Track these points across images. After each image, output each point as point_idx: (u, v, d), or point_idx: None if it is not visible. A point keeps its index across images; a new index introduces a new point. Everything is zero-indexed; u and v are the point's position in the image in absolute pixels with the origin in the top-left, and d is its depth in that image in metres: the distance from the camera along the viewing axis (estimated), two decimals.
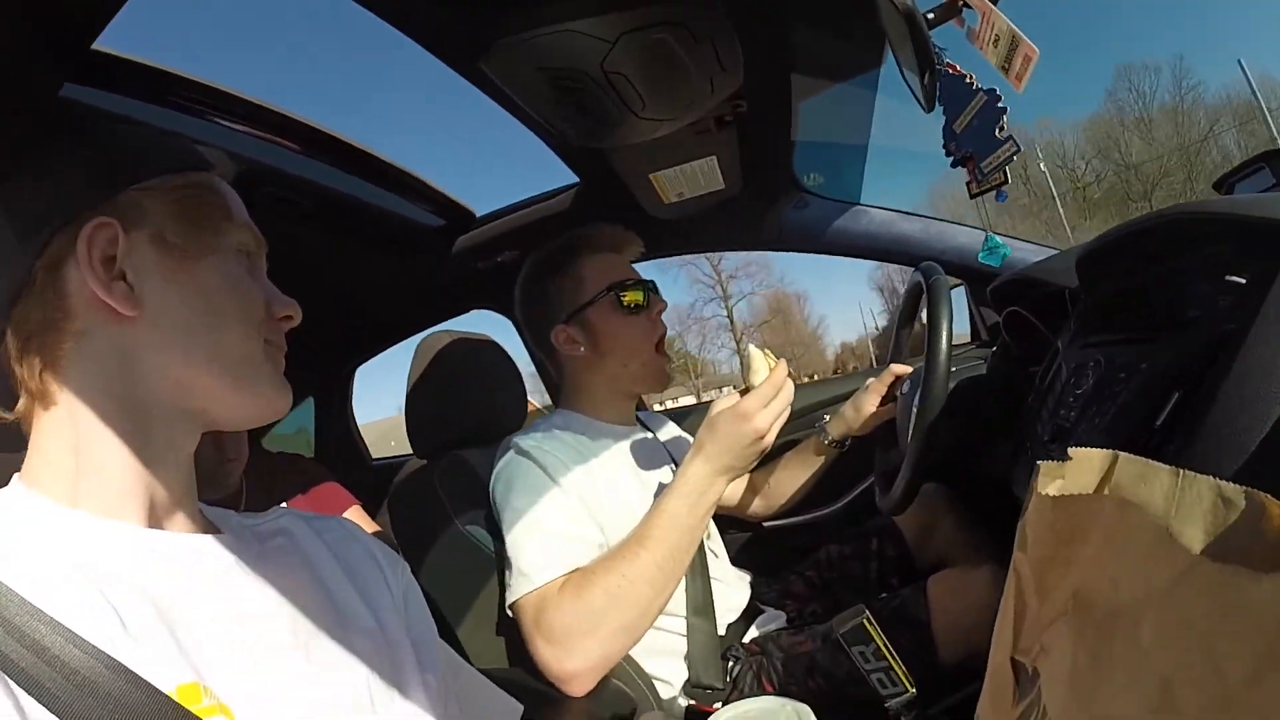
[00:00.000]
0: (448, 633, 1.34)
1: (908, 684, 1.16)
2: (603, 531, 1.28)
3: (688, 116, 1.44)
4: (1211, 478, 0.38)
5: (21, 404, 0.63)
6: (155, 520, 0.64)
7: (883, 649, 1.17)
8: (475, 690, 0.84)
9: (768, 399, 1.15)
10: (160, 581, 0.59)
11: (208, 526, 0.71)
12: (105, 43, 0.96)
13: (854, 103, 1.73)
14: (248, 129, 1.35)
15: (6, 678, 0.49)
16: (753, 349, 1.21)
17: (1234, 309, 0.70)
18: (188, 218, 0.67)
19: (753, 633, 1.49)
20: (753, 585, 1.61)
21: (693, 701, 1.33)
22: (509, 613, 1.20)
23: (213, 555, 0.66)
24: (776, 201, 2.02)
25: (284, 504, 1.77)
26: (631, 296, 1.46)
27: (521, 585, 1.17)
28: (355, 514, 1.93)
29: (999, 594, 1.17)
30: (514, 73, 1.23)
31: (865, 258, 2.08)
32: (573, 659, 1.11)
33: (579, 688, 1.13)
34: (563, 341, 1.48)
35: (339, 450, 2.80)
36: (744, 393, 1.19)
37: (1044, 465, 0.46)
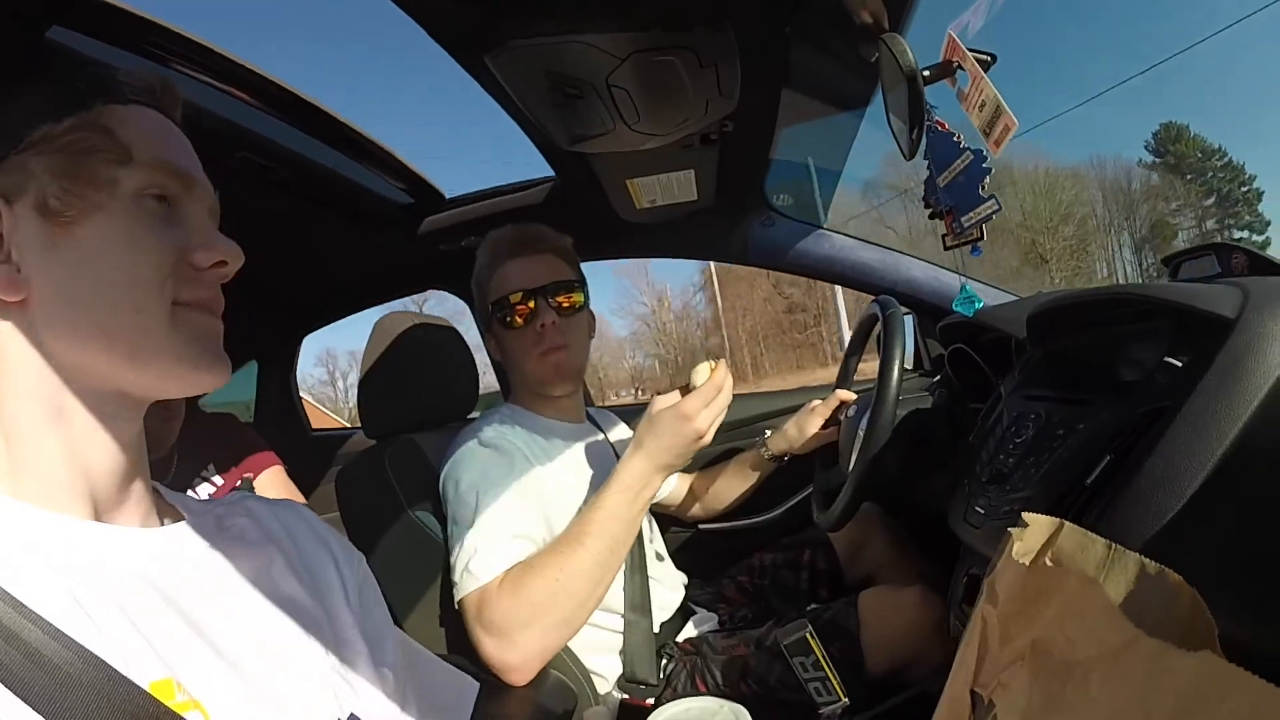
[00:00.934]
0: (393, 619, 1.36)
1: (841, 693, 1.24)
2: (549, 529, 1.31)
3: (678, 134, 1.48)
4: (1138, 555, 0.46)
5: None
6: (105, 512, 0.61)
7: (821, 661, 1.25)
8: (431, 672, 0.83)
9: (709, 399, 1.19)
10: (122, 580, 0.57)
11: (164, 511, 0.69)
12: None
13: (835, 133, 1.79)
14: (229, 89, 1.33)
15: None
16: (703, 362, 1.25)
17: (1169, 388, 0.77)
18: (69, 174, 0.58)
19: (686, 632, 1.54)
20: (687, 586, 1.67)
21: (626, 696, 1.37)
22: (456, 607, 1.22)
23: (171, 549, 0.64)
24: (745, 217, 2.08)
25: (212, 466, 1.76)
26: (518, 311, 1.46)
27: (468, 583, 1.19)
28: (275, 474, 1.91)
29: (926, 614, 1.32)
30: (518, 72, 1.24)
31: (823, 280, 2.16)
32: (513, 650, 1.14)
33: (519, 678, 1.15)
34: (490, 347, 1.57)
35: (278, 417, 2.78)
36: (685, 391, 1.23)
37: (1015, 531, 0.53)
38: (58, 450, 0.58)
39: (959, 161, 1.05)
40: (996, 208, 1.02)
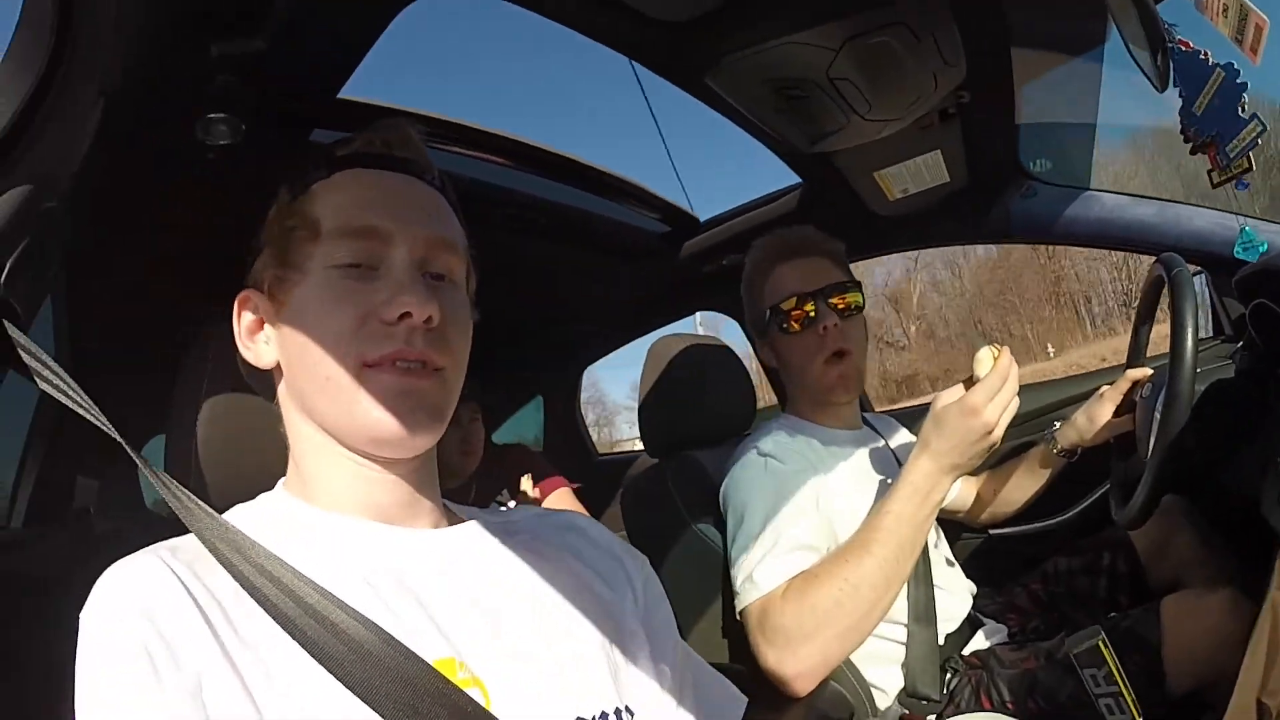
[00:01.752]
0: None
1: (1135, 713, 1.10)
2: (832, 539, 1.28)
3: (913, 114, 1.43)
4: None
5: None
6: (393, 520, 0.68)
7: (1115, 674, 1.12)
8: (703, 680, 0.83)
9: (994, 390, 1.10)
10: (413, 571, 0.64)
11: (453, 520, 0.75)
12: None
13: (1079, 81, 1.64)
14: (479, 155, 1.48)
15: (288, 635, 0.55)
16: (983, 347, 1.18)
17: None
18: (278, 261, 0.68)
19: (974, 644, 1.44)
20: (975, 596, 1.56)
21: (906, 711, 1.31)
22: (738, 617, 1.23)
23: (459, 545, 0.70)
24: (1003, 192, 1.94)
25: (505, 492, 1.95)
26: (795, 316, 1.42)
27: (749, 592, 1.19)
28: (564, 495, 2.06)
29: (1238, 623, 1.15)
30: (740, 86, 1.27)
31: (1097, 247, 1.96)
32: (794, 662, 1.12)
33: (799, 689, 1.13)
34: (764, 355, 1.53)
35: (565, 445, 2.97)
36: (968, 384, 1.15)
37: None
38: (339, 476, 0.68)
39: (1210, 82, 0.93)
40: (1261, 128, 0.89)
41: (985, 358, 1.15)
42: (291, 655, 0.55)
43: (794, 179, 1.86)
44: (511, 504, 1.98)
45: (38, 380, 0.68)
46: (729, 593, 1.27)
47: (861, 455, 1.47)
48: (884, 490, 1.39)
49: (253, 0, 0.87)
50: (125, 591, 0.55)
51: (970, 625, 1.48)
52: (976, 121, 1.56)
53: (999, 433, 1.12)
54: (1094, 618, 1.37)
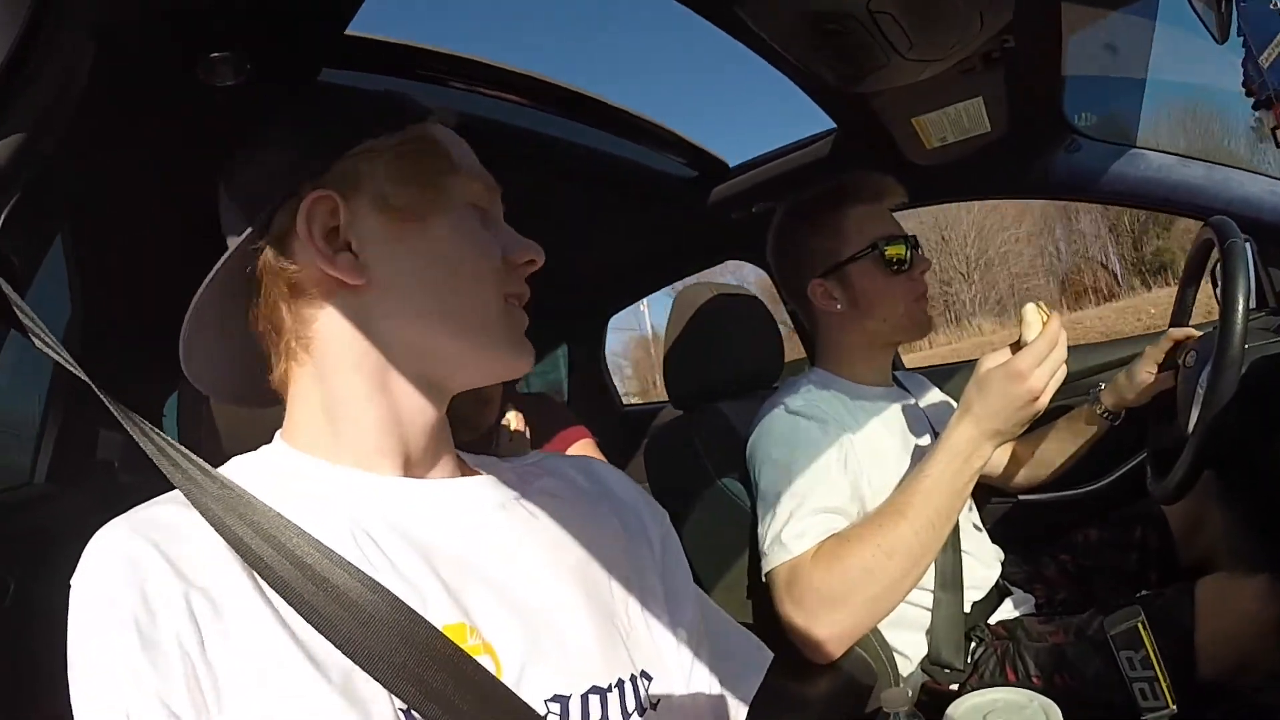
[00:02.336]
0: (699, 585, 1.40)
1: (1169, 699, 1.08)
2: (861, 501, 1.26)
3: (955, 55, 1.35)
4: None
5: (277, 368, 0.66)
6: (412, 470, 0.66)
7: (1153, 658, 1.10)
8: (725, 636, 0.80)
9: (1042, 356, 1.06)
10: (424, 528, 0.62)
11: (468, 471, 0.73)
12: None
13: (1130, 33, 1.55)
14: (499, 94, 1.43)
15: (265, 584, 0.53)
16: (1028, 304, 1.13)
17: None
18: (408, 178, 0.65)
19: (1000, 614, 1.42)
20: (1003, 563, 1.53)
21: (929, 678, 1.30)
22: (763, 579, 1.21)
23: (475, 498, 0.68)
24: (1044, 145, 1.85)
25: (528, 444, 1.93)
26: (895, 252, 1.39)
27: (778, 554, 1.17)
28: (586, 446, 2.04)
29: (1270, 609, 1.10)
30: (773, 18, 1.20)
31: (1140, 207, 1.89)
32: (822, 627, 1.11)
33: (826, 655, 1.13)
34: (819, 296, 1.46)
35: (589, 395, 2.96)
36: (1015, 348, 1.11)
37: None
38: (376, 418, 0.64)
39: None
40: None
41: (1033, 320, 1.11)
42: (264, 627, 0.53)
43: (827, 124, 1.78)
44: (535, 456, 1.95)
45: (32, 339, 0.65)
46: (754, 550, 1.25)
47: (892, 413, 1.44)
48: (914, 451, 1.36)
49: None
50: (107, 563, 0.52)
51: (998, 593, 1.46)
52: (1021, 69, 1.47)
53: (1045, 400, 1.08)
54: (1123, 594, 1.35)
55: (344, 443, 0.64)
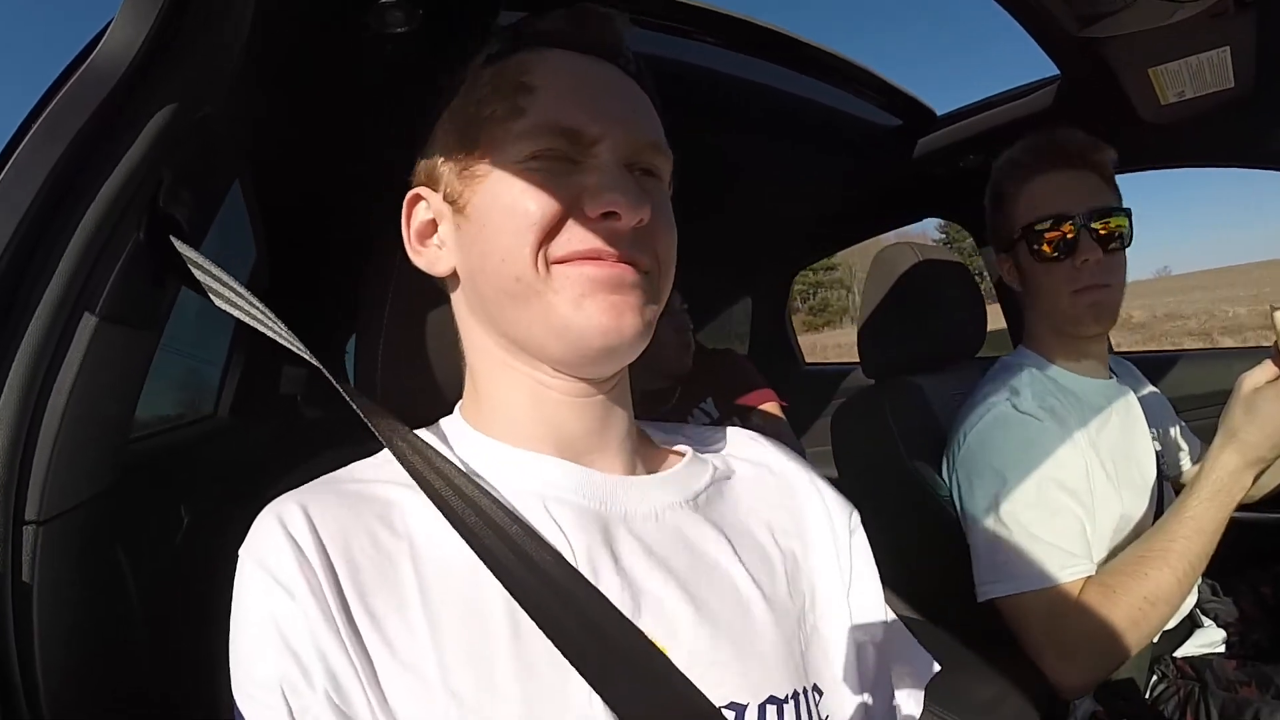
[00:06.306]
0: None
1: None
2: (1093, 520, 1.14)
3: None
4: None
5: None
6: (580, 456, 0.62)
7: None
8: (899, 644, 0.75)
9: None
10: (607, 520, 0.59)
11: (653, 457, 0.70)
12: None
13: None
14: (686, 31, 1.36)
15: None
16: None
17: None
18: (457, 157, 0.60)
19: (1189, 647, 1.26)
20: (1199, 590, 1.34)
21: (1100, 709, 1.16)
22: (999, 599, 1.12)
23: (654, 497, 0.63)
24: None
25: (710, 399, 1.90)
26: (1051, 240, 1.21)
27: (1029, 581, 1.08)
28: (770, 410, 1.98)
29: None
30: None
31: None
32: (1081, 674, 1.05)
33: (1073, 694, 1.07)
34: (1006, 273, 1.32)
35: (771, 352, 2.87)
36: (1278, 360, 0.97)
37: None
38: (520, 400, 0.62)
39: None
40: None
41: None
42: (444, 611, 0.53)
43: (1049, 70, 1.57)
44: (714, 411, 1.91)
45: (212, 297, 0.68)
46: (939, 542, 1.20)
47: (1119, 416, 1.27)
48: (1142, 459, 1.24)
49: None
50: (264, 549, 0.53)
51: (1189, 624, 1.29)
52: (1278, 16, 1.24)
53: None
54: None
55: (491, 418, 0.63)
